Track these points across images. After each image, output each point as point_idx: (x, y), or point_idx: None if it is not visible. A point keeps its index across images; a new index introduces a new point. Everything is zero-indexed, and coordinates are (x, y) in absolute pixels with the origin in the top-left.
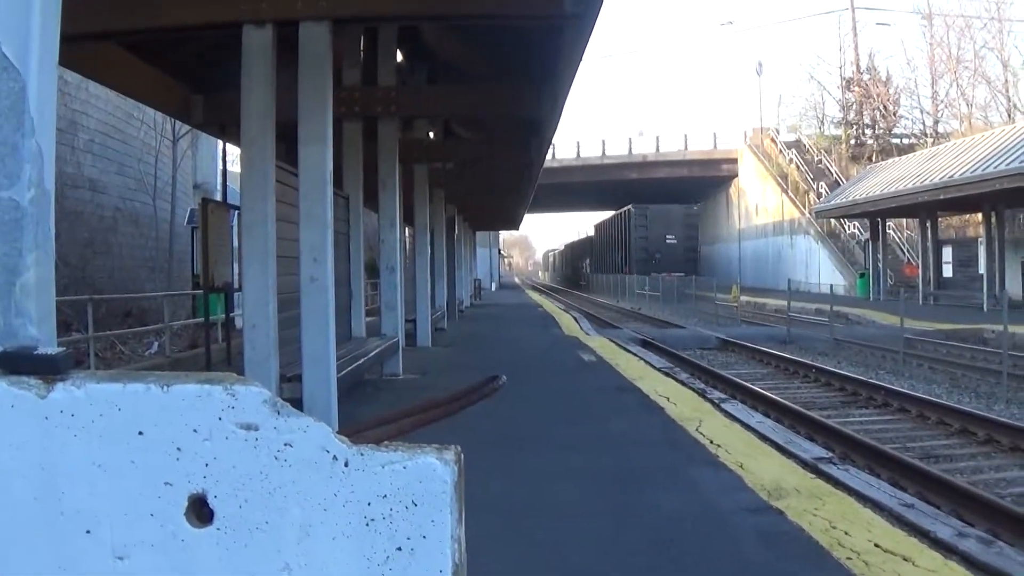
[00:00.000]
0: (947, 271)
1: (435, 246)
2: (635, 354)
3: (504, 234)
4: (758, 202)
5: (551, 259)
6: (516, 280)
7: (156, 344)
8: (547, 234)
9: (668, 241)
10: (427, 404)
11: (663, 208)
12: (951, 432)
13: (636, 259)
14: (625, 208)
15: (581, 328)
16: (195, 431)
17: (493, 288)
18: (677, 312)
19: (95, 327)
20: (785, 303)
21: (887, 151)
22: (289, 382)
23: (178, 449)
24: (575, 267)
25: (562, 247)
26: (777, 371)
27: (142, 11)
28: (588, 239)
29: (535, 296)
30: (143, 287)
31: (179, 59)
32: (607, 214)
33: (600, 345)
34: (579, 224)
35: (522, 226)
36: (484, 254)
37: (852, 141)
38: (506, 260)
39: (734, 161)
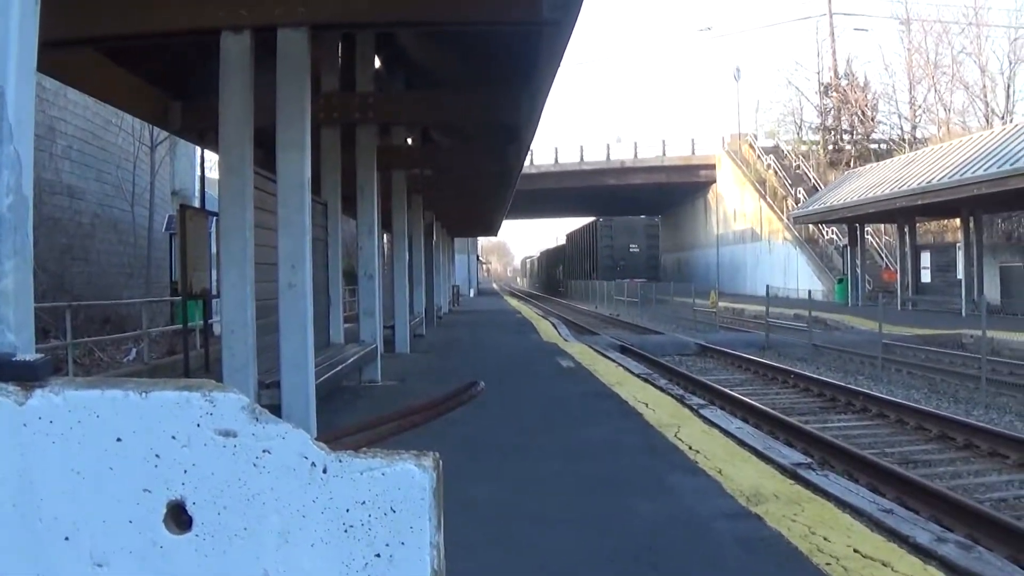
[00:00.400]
0: (925, 276)
1: (413, 252)
2: (613, 360)
3: (482, 240)
4: (736, 208)
5: (529, 265)
6: (494, 286)
7: (134, 351)
8: (526, 240)
9: (631, 250)
10: (405, 410)
11: (627, 220)
12: (930, 437)
13: (602, 266)
14: (593, 220)
15: (559, 334)
16: (174, 438)
17: (471, 294)
18: (656, 318)
19: (73, 334)
20: (763, 309)
21: (865, 157)
22: (268, 388)
23: (157, 456)
24: (551, 274)
25: (538, 254)
26: (756, 377)
27: (121, 17)
28: (562, 247)
29: (513, 302)
30: (121, 294)
31: (158, 65)
32: (585, 220)
33: (579, 351)
34: (557, 230)
35: (500, 232)
36: (462, 260)
37: (830, 147)
38: (484, 266)
39: (712, 167)
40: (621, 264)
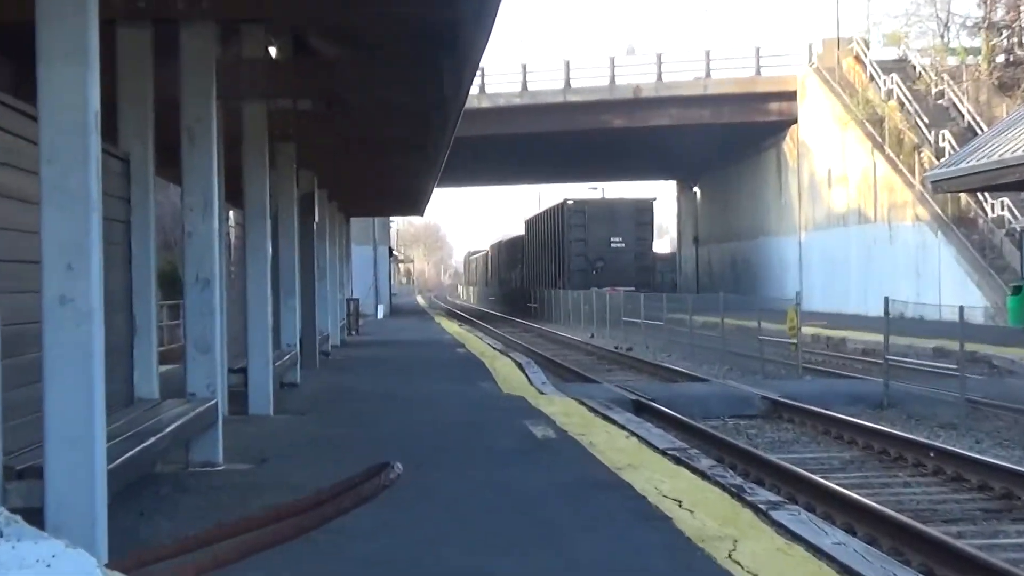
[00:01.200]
0: None
1: (281, 243)
2: (621, 426)
3: (400, 223)
4: (832, 166)
5: (475, 266)
6: (419, 300)
7: None
8: (474, 223)
9: (614, 245)
10: (268, 514)
11: (607, 203)
12: None
13: (572, 268)
14: (558, 203)
15: (530, 381)
16: None
17: (381, 313)
18: (694, 355)
19: None
20: (880, 338)
21: None
22: (21, 479)
23: None
24: (510, 279)
25: (489, 248)
26: (867, 455)
27: None
28: (522, 239)
29: (451, 327)
30: None
31: None
32: (571, 189)
33: (562, 410)
34: (529, 205)
35: (430, 209)
36: (365, 257)
37: (999, 59)
38: (404, 267)
39: (791, 96)
40: (599, 265)
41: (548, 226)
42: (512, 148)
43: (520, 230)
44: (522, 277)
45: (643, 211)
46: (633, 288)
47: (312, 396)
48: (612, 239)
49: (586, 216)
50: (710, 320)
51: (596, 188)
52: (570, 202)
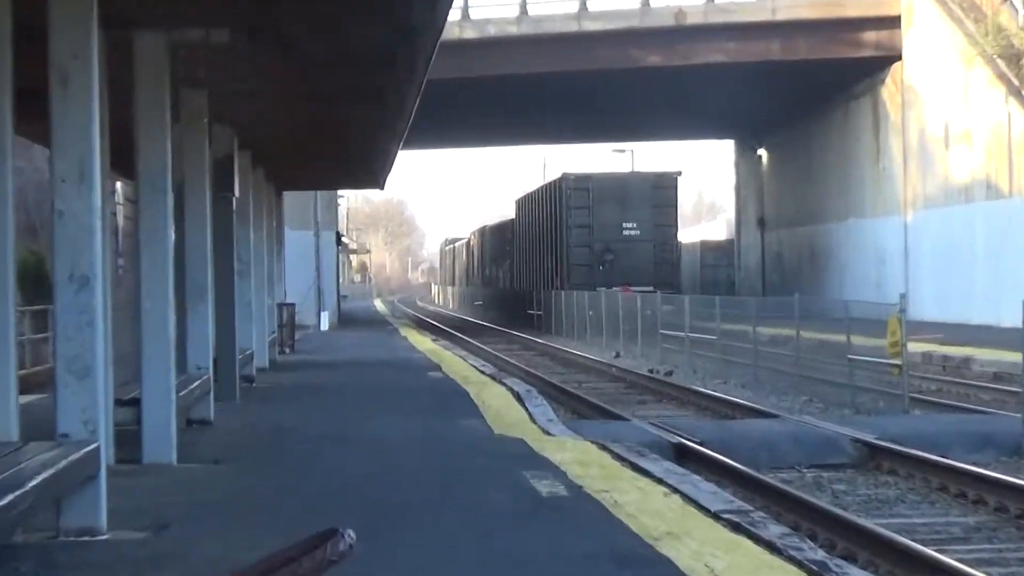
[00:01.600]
0: None
1: (188, 227)
2: (659, 479)
3: (352, 200)
4: (950, 120)
5: (457, 259)
6: (378, 305)
7: None
8: (455, 201)
9: (626, 233)
10: None
11: (618, 178)
12: None
13: (572, 263)
14: (556, 178)
15: (531, 417)
16: None
17: (325, 324)
18: (761, 380)
19: None
20: (1018, 358)
21: None
22: None
23: None
24: (496, 276)
25: (472, 235)
26: (1000, 520)
27: None
28: (512, 224)
29: (423, 342)
30: None
31: None
32: (588, 151)
33: (577, 458)
34: (531, 175)
35: (393, 182)
36: (303, 246)
37: None
38: (356, 260)
39: (894, 22)
40: (607, 259)
41: (544, 208)
42: (506, 95)
43: (507, 216)
44: (511, 275)
45: (664, 189)
46: (651, 288)
47: (231, 438)
48: (624, 225)
49: (590, 195)
50: (781, 332)
51: (623, 151)
52: (570, 177)
